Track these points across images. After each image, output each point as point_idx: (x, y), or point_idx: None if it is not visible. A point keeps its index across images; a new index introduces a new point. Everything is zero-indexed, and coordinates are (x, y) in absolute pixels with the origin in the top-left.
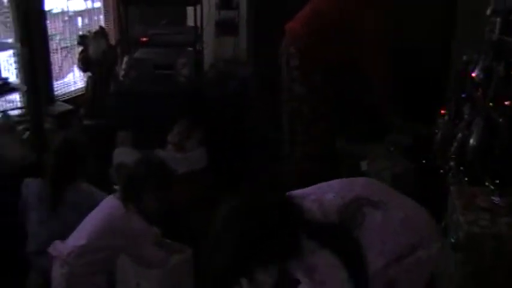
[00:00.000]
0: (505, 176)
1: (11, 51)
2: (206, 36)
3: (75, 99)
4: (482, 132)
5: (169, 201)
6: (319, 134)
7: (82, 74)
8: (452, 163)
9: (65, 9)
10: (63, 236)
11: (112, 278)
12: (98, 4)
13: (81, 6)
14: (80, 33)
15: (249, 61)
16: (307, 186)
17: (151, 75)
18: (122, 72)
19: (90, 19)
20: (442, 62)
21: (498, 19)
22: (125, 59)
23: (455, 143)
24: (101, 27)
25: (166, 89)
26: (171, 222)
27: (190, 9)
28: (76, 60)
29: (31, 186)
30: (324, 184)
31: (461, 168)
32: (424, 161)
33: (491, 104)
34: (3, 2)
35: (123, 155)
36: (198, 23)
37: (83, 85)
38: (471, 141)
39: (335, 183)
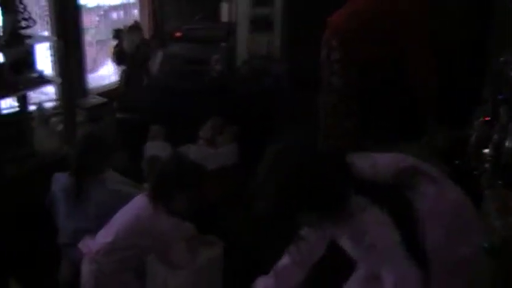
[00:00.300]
0: None
1: (47, 44)
2: (240, 33)
3: (108, 93)
4: None
5: (200, 199)
6: (352, 129)
7: (116, 67)
8: (487, 165)
9: (101, 4)
10: (89, 231)
11: (140, 275)
12: None
13: (116, 0)
14: (115, 27)
15: (283, 58)
16: None
17: (185, 70)
18: (155, 67)
19: (125, 13)
20: (478, 63)
21: None
22: (159, 53)
23: (491, 145)
24: (135, 21)
25: (199, 85)
26: (202, 218)
27: (224, 5)
28: (110, 54)
29: (60, 180)
30: (376, 153)
31: (497, 171)
32: (458, 163)
33: None
34: None
35: (155, 148)
36: (233, 19)
37: (117, 79)
38: (507, 143)
39: (389, 154)
